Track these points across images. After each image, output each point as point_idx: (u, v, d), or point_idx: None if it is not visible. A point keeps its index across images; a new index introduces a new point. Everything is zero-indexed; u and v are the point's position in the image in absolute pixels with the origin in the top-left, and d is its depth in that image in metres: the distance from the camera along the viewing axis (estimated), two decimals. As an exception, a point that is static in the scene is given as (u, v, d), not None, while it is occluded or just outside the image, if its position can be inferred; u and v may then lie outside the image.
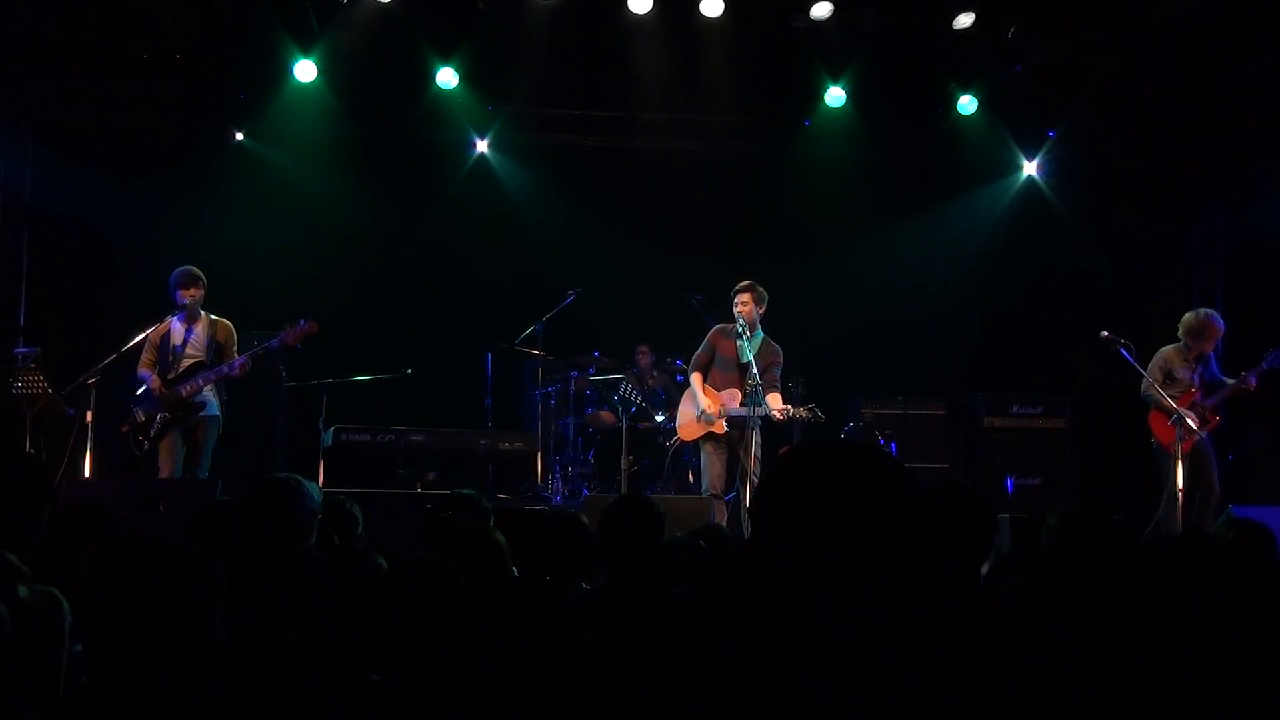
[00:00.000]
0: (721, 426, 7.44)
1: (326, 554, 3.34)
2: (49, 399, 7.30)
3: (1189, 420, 7.52)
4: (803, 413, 7.27)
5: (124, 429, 7.23)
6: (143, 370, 7.32)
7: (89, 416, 7.06)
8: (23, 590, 2.58)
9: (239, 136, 9.90)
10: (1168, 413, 7.61)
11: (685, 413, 7.74)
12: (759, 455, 7.31)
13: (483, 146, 10.40)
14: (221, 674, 2.13)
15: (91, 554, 3.43)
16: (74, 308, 9.38)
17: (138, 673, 2.08)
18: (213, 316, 7.46)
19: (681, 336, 8.99)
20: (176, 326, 7.37)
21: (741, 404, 7.38)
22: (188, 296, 7.29)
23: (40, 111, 9.63)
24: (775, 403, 7.37)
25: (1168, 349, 7.81)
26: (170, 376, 7.29)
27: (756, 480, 7.08)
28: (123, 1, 8.99)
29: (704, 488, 7.53)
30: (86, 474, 6.99)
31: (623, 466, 8.97)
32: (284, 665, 2.25)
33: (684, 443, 7.96)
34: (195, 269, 7.40)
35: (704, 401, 7.54)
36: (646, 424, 9.47)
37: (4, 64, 9.27)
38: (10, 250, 9.58)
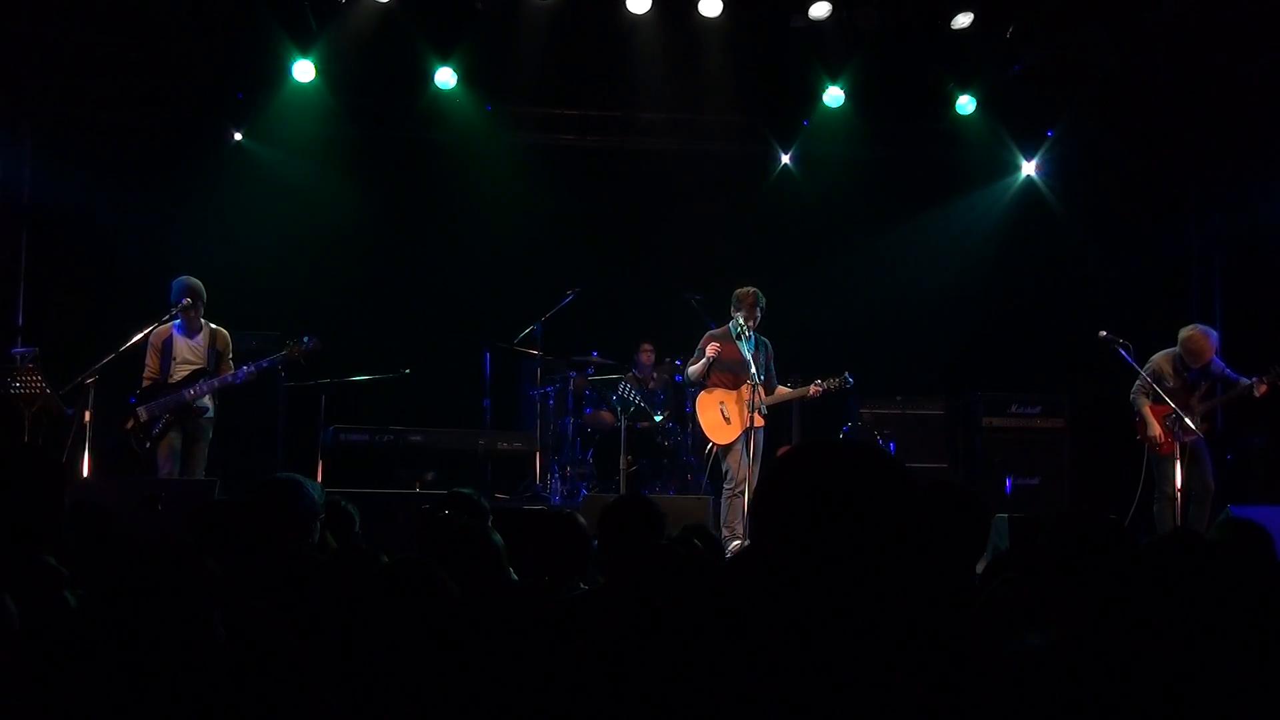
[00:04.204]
0: (760, 419, 7.62)
1: (325, 554, 3.34)
2: (47, 399, 7.30)
3: (1186, 420, 7.56)
4: (834, 382, 7.83)
5: (128, 425, 7.27)
6: (149, 376, 7.44)
7: (87, 416, 7.06)
8: (70, 596, 2.57)
9: (237, 136, 9.90)
10: (1163, 413, 7.68)
11: (711, 419, 7.83)
12: (760, 455, 7.57)
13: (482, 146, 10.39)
14: (221, 674, 2.13)
15: (89, 554, 3.43)
16: (72, 307, 9.38)
17: (136, 672, 2.08)
18: (212, 325, 7.58)
19: (680, 336, 8.99)
20: (177, 333, 7.49)
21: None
22: (188, 310, 7.39)
23: (39, 111, 9.62)
24: (788, 391, 7.91)
25: (1160, 356, 7.85)
26: (171, 382, 7.38)
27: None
28: (122, 1, 8.99)
29: (734, 486, 7.60)
30: (85, 474, 6.98)
31: (621, 466, 8.97)
32: (284, 665, 2.25)
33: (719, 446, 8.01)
34: (198, 284, 7.47)
35: (730, 407, 7.78)
36: (645, 424, 9.47)
37: (3, 64, 9.27)
38: (8, 249, 9.58)
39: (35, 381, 7.31)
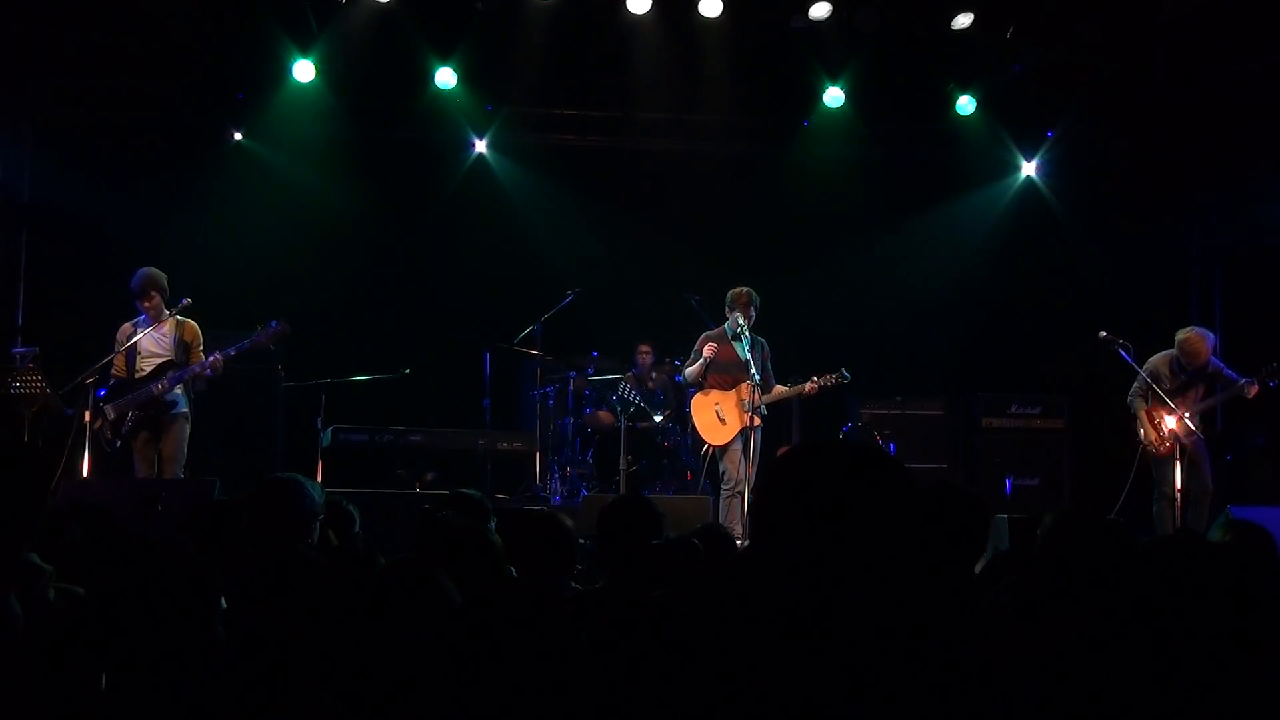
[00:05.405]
0: (757, 419, 7.64)
1: (325, 554, 3.34)
2: (47, 398, 7.29)
3: (1186, 421, 7.57)
4: (832, 379, 7.86)
5: (96, 425, 7.12)
6: (115, 373, 7.36)
7: (87, 416, 7.04)
8: (53, 593, 2.56)
9: (237, 136, 9.89)
10: (1160, 415, 7.70)
11: (706, 420, 7.84)
12: (758, 455, 7.60)
13: (481, 146, 10.38)
14: (221, 674, 2.13)
15: (88, 553, 3.43)
16: (72, 307, 9.35)
17: (135, 672, 2.08)
18: (179, 317, 7.43)
19: (680, 337, 9.00)
20: (141, 327, 7.38)
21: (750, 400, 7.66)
22: (147, 305, 7.30)
23: (39, 111, 9.62)
24: (785, 389, 7.95)
25: (1157, 358, 7.86)
26: (138, 376, 7.28)
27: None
28: (122, 1, 8.99)
29: (732, 486, 7.61)
30: (85, 474, 6.97)
31: (621, 466, 8.97)
32: (284, 665, 2.25)
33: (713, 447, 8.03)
34: (152, 273, 7.35)
35: (725, 409, 7.81)
36: (645, 424, 9.47)
37: (4, 63, 9.26)
38: (8, 249, 9.58)
39: (35, 381, 7.30)
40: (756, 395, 7.61)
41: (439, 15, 9.42)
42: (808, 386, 7.92)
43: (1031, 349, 10.37)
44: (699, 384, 7.95)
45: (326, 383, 8.93)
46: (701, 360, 7.84)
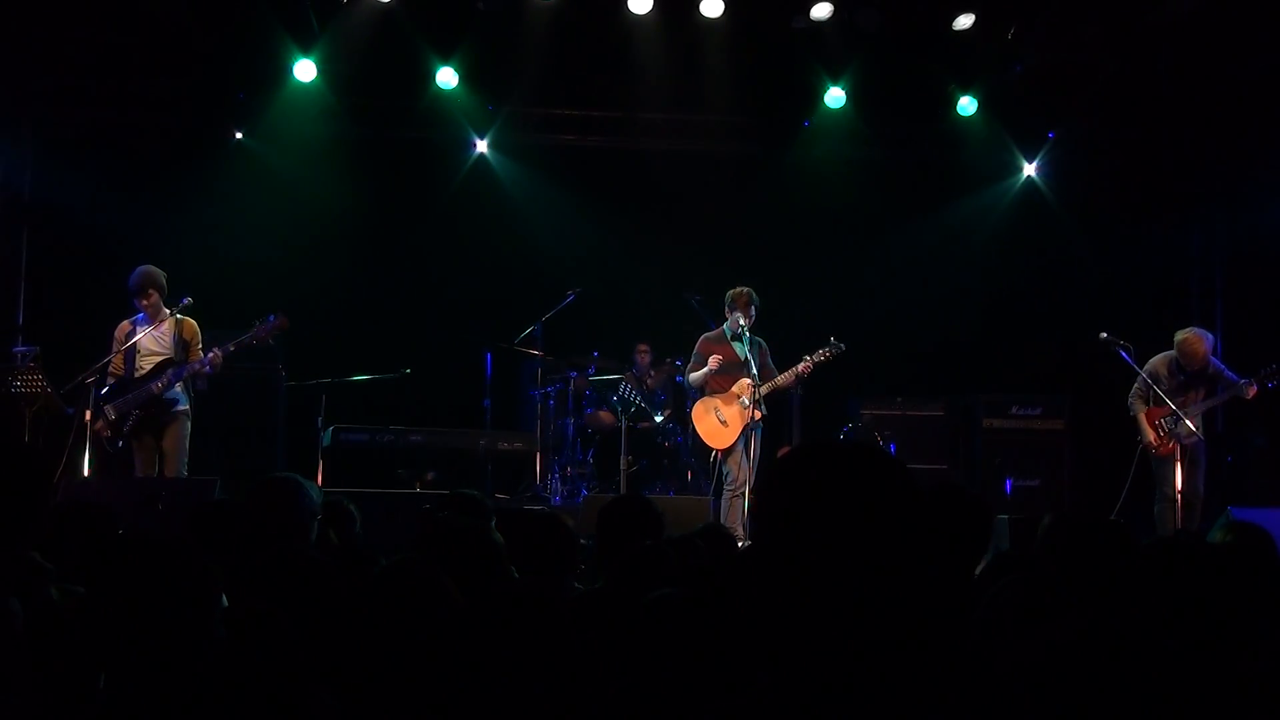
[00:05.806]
0: (758, 413, 7.61)
1: (325, 553, 3.34)
2: (48, 398, 7.28)
3: (1186, 422, 7.57)
4: (825, 354, 7.71)
5: (97, 425, 7.09)
6: (114, 373, 7.33)
7: (87, 415, 7.03)
8: (54, 592, 2.57)
9: (238, 136, 9.90)
10: (1159, 416, 7.71)
11: (708, 427, 7.83)
12: (758, 456, 7.60)
13: (482, 146, 10.39)
14: (221, 673, 2.13)
15: (89, 553, 3.43)
16: (73, 307, 9.36)
17: (135, 672, 2.08)
18: (178, 315, 7.37)
19: (680, 337, 9.00)
20: (140, 325, 7.34)
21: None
22: (145, 303, 7.26)
23: (40, 111, 9.62)
24: (789, 375, 7.76)
25: (1157, 359, 7.86)
26: (137, 375, 7.25)
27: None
28: (122, 1, 8.99)
29: (735, 486, 7.60)
30: (85, 473, 6.97)
31: (622, 467, 8.97)
32: (283, 665, 2.25)
33: (704, 448, 8.01)
34: (150, 271, 7.30)
35: (725, 411, 7.78)
36: (645, 424, 9.47)
37: (4, 64, 9.27)
38: (9, 249, 9.58)
39: (36, 381, 7.30)
40: (757, 392, 7.61)
41: (440, 15, 9.43)
42: (801, 366, 7.70)
43: (1032, 350, 10.37)
44: (702, 389, 7.92)
45: (327, 383, 8.93)
46: (706, 369, 7.80)
